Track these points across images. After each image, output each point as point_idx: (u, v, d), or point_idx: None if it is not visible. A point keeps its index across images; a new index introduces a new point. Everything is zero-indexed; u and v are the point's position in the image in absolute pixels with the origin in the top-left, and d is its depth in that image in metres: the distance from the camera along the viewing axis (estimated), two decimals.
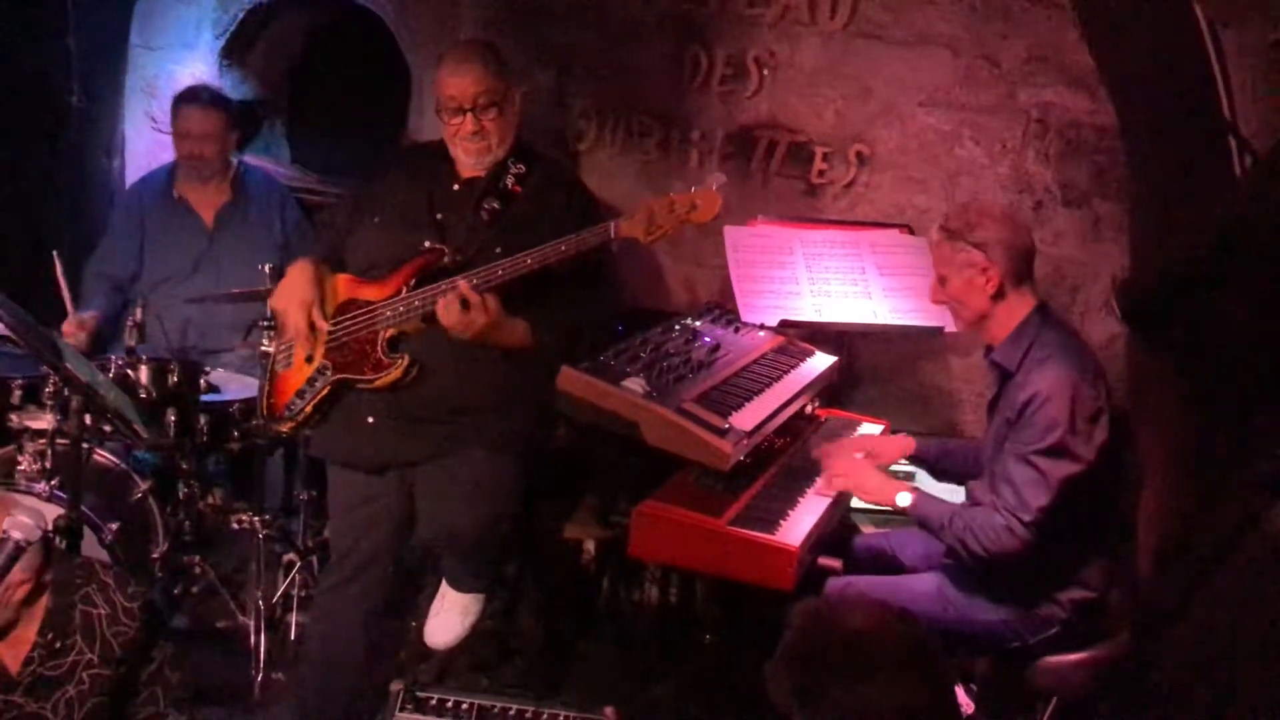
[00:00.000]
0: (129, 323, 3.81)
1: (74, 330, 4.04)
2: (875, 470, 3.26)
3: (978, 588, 3.03)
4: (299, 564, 3.96)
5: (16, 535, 2.12)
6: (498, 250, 3.08)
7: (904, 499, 3.06)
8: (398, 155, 3.57)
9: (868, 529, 3.73)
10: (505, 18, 4.54)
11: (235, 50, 5.03)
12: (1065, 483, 2.85)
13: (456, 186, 3.23)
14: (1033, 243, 3.07)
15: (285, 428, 3.26)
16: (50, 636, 2.49)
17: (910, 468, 3.56)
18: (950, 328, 3.82)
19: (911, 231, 4.16)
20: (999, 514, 2.89)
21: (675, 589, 3.98)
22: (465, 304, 2.95)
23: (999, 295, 3.00)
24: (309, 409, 3.18)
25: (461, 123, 3.14)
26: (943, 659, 1.96)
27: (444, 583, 3.43)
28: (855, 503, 3.56)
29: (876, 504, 3.20)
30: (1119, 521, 3.21)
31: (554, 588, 4.06)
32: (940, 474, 3.46)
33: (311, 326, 3.15)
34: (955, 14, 4.14)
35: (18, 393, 3.71)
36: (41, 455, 3.50)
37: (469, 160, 3.20)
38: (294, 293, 3.17)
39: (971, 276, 3.00)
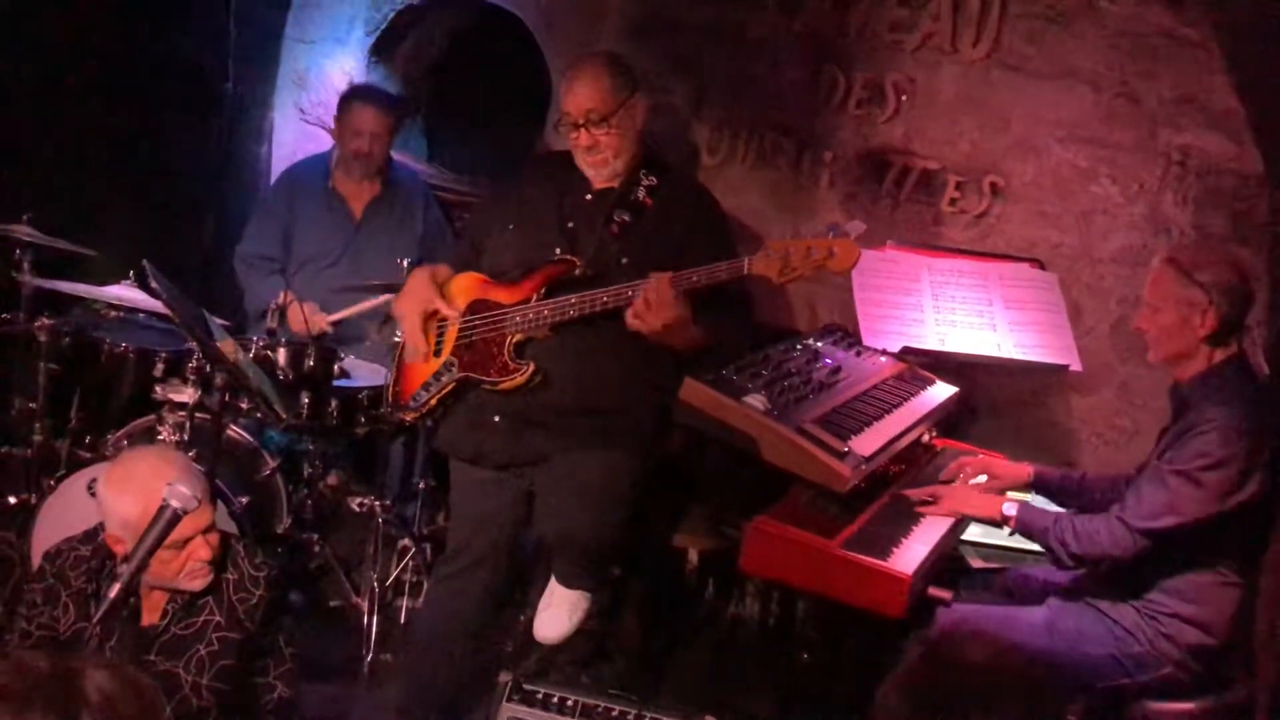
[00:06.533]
0: (272, 306, 3.96)
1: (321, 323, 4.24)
2: (975, 489, 3.28)
3: (1088, 622, 3.01)
4: (413, 550, 4.07)
5: (175, 504, 2.23)
6: (624, 262, 3.12)
7: (1009, 508, 3.09)
8: (533, 163, 3.64)
9: (976, 562, 3.71)
10: (647, 27, 4.60)
11: (384, 47, 5.17)
12: (1187, 510, 2.82)
13: (589, 197, 3.26)
14: (1254, 293, 2.98)
15: (409, 417, 3.33)
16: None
17: (1025, 496, 3.54)
18: (1075, 367, 3.80)
19: (1042, 266, 4.11)
20: (1109, 517, 2.88)
21: (776, 606, 4.00)
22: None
23: (1209, 339, 2.92)
24: (433, 402, 3.25)
25: (576, 137, 3.18)
26: (1057, 702, 1.97)
27: (553, 579, 3.50)
28: (966, 534, 3.55)
29: (984, 518, 3.21)
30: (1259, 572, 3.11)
31: (657, 593, 4.11)
32: (1065, 500, 3.42)
33: (425, 333, 3.23)
34: (1099, 49, 4.09)
35: (160, 366, 3.88)
36: (180, 427, 3.67)
37: (591, 173, 3.24)
38: (412, 300, 3.26)
39: (1188, 315, 2.91)
